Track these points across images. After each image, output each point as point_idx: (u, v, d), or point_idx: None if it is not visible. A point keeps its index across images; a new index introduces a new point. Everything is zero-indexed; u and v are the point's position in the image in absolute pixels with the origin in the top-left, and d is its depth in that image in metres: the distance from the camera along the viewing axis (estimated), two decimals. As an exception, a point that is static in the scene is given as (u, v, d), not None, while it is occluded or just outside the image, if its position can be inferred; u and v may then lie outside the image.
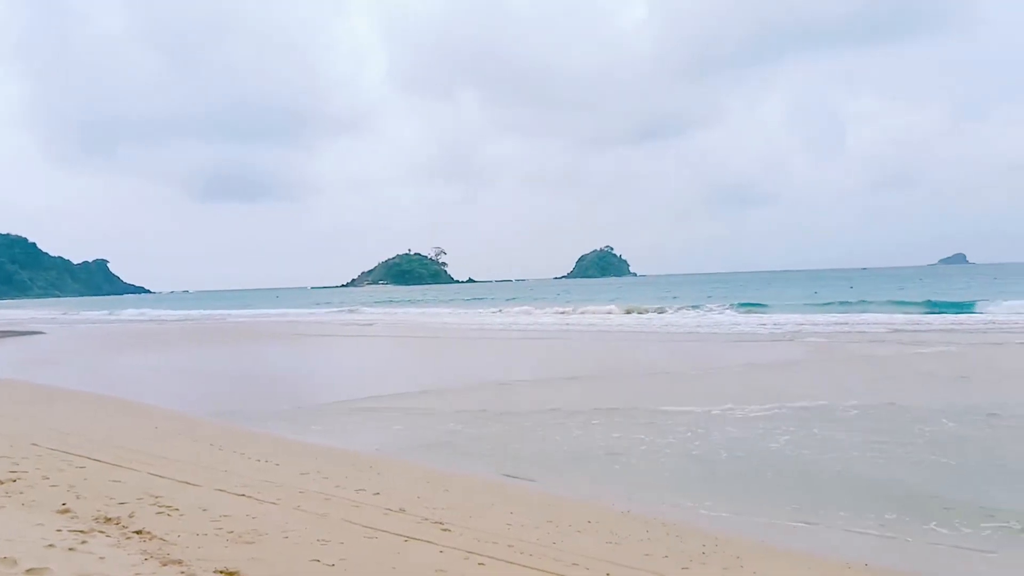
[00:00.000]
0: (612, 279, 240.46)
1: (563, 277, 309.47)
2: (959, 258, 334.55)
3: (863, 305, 47.96)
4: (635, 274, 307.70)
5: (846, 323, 37.65)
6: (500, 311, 61.55)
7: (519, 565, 6.91)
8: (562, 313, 55.31)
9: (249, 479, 9.86)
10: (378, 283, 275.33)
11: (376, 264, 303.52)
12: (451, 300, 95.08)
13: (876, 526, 8.43)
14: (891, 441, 12.01)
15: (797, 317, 41.90)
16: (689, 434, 13.09)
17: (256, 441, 13.14)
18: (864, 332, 33.33)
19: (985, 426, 12.97)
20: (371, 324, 57.07)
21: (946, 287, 73.73)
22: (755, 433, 12.95)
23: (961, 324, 34.98)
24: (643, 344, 33.48)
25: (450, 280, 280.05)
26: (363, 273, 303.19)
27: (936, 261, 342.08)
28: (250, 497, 8.87)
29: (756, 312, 47.67)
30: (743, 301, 55.62)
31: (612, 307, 54.82)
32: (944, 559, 7.54)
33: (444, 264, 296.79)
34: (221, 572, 5.98)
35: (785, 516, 8.86)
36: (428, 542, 7.53)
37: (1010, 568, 7.32)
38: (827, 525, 8.54)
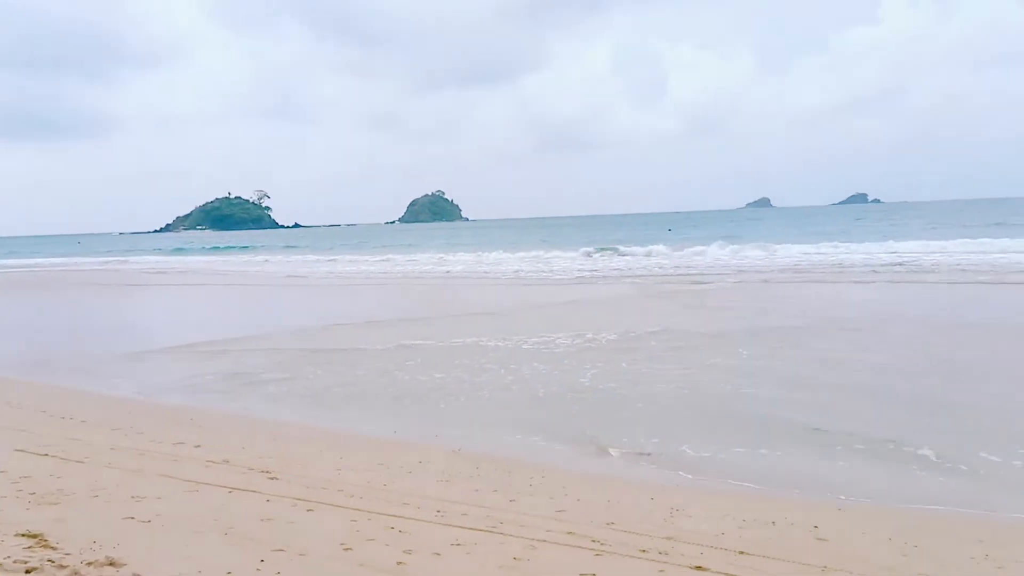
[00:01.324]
0: (444, 224, 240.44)
1: (394, 222, 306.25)
2: (764, 202, 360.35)
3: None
4: (467, 219, 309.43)
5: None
6: (334, 260, 59.52)
7: (349, 508, 6.84)
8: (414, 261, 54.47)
9: (52, 438, 9.13)
10: (196, 228, 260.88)
11: (193, 208, 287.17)
12: (286, 247, 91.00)
13: (665, 444, 9.01)
14: (674, 366, 12.89)
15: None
16: (503, 371, 13.54)
17: (58, 397, 12.17)
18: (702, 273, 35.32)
19: (732, 347, 14.17)
20: (163, 273, 54.08)
21: (751, 231, 79.20)
22: (568, 366, 13.48)
23: (752, 264, 37.69)
24: (481, 288, 33.83)
25: (274, 225, 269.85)
26: (178, 218, 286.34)
27: (744, 205, 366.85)
28: (54, 456, 8.22)
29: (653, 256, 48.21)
30: (602, 246, 56.09)
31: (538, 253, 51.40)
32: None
33: (267, 208, 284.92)
34: (23, 535, 5.53)
35: (603, 443, 9.29)
36: (254, 492, 7.29)
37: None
38: (638, 451, 9.03)
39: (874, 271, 31.31)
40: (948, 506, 7.18)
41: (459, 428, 10.34)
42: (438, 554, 5.84)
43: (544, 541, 6.15)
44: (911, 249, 38.52)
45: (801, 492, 7.66)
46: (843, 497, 7.41)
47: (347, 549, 5.83)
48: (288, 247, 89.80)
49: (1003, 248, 36.00)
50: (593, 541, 6.15)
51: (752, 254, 41.34)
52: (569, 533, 6.34)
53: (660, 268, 37.60)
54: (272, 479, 7.74)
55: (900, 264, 32.73)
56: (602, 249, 50.91)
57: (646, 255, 45.27)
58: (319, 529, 6.26)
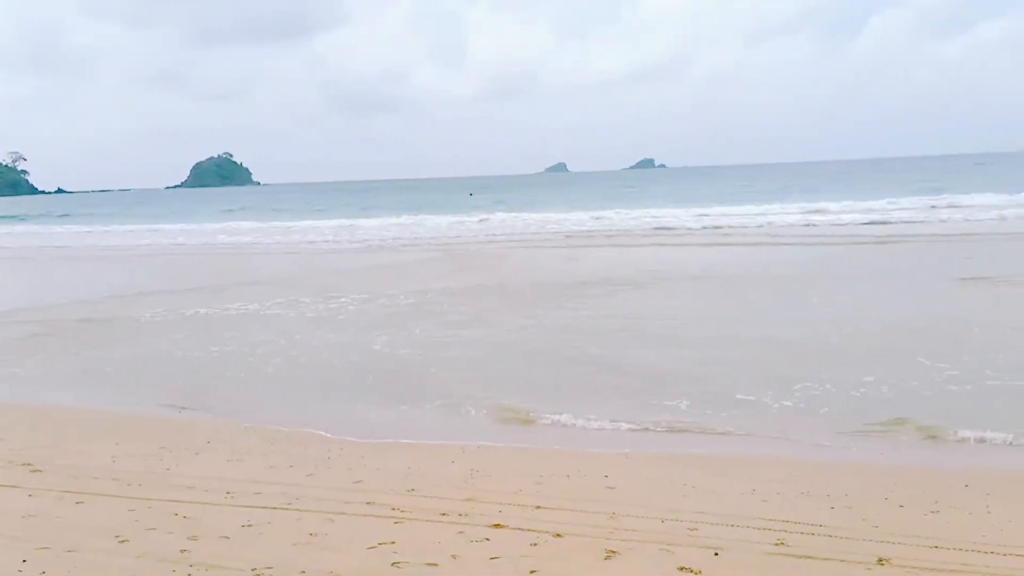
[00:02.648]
0: (233, 188, 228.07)
1: (178, 186, 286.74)
2: (561, 167, 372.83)
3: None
4: (259, 183, 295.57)
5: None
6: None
7: (126, 497, 6.33)
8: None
9: None
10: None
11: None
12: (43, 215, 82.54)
13: (467, 406, 9.14)
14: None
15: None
16: (292, 340, 13.24)
17: None
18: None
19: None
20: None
21: (552, 195, 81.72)
22: (356, 335, 13.31)
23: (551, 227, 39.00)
24: (270, 257, 32.47)
25: (33, 191, 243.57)
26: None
27: (543, 170, 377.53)
28: None
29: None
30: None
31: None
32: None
33: (24, 172, 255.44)
34: None
35: (406, 409, 9.23)
36: (14, 487, 6.57)
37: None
38: (433, 414, 9.07)
39: (644, 235, 33.32)
40: (711, 449, 7.77)
41: (251, 403, 9.88)
42: (227, 537, 5.54)
43: (342, 514, 6.00)
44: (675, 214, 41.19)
45: (597, 446, 7.99)
46: (628, 450, 7.80)
47: (123, 541, 5.38)
48: (44, 215, 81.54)
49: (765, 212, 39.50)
50: (393, 509, 6.08)
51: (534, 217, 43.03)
52: (368, 503, 6.23)
53: (457, 234, 37.85)
54: (35, 472, 7.01)
55: (665, 229, 34.76)
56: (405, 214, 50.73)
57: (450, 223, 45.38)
58: (90, 523, 5.74)
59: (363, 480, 6.89)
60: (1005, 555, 4.96)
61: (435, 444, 8.13)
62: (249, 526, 5.75)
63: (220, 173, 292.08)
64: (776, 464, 7.22)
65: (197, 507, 6.19)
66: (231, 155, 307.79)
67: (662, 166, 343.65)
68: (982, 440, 7.54)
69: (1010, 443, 7.44)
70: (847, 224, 32.54)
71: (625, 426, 8.45)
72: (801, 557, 5.01)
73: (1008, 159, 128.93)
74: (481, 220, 44.41)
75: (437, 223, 44.43)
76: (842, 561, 4.93)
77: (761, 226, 33.88)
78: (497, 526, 5.65)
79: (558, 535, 5.45)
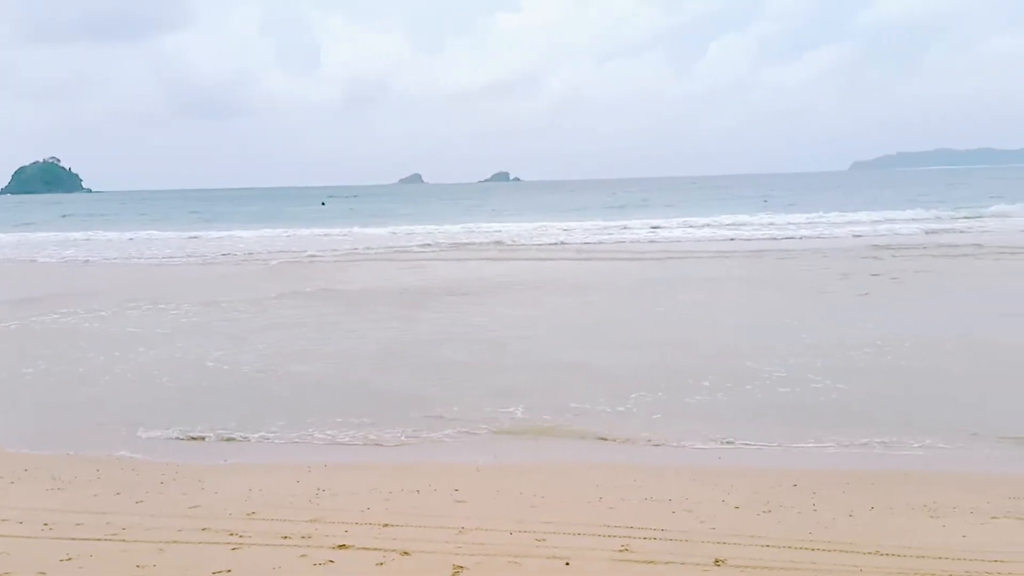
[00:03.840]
0: (61, 195, 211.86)
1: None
2: (416, 178, 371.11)
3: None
4: (89, 190, 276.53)
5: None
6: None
7: (-78, 537, 5.67)
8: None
9: None
10: None
11: None
12: None
13: (313, 423, 8.88)
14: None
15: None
16: (118, 354, 12.51)
17: None
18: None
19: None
20: None
21: (404, 206, 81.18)
22: (185, 347, 12.69)
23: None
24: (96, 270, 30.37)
25: None
26: None
27: (397, 181, 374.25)
28: None
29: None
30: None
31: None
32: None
33: None
34: None
35: (245, 428, 8.82)
36: None
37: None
38: (285, 433, 8.73)
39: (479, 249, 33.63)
40: (560, 457, 7.88)
41: (73, 428, 9.16)
42: (43, 573, 5.08)
43: (175, 542, 5.63)
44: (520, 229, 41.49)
45: (446, 457, 7.92)
46: (481, 461, 7.79)
47: (-83, 586, 4.81)
48: None
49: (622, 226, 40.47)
50: (231, 535, 5.77)
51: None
52: (204, 530, 5.89)
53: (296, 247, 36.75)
54: None
55: (501, 243, 34.78)
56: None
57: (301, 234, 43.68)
58: None
59: (200, 505, 6.51)
60: (829, 551, 5.27)
61: (279, 464, 7.81)
62: (68, 560, 5.30)
63: (45, 179, 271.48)
64: (624, 471, 7.40)
65: (10, 541, 5.66)
66: (58, 159, 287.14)
67: (517, 179, 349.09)
68: (810, 441, 8.05)
69: (837, 443, 7.98)
70: (682, 240, 33.92)
71: (468, 438, 8.44)
72: (644, 562, 5.13)
73: (836, 177, 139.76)
74: (325, 234, 42.81)
75: (275, 234, 42.56)
76: (682, 564, 5.09)
77: (600, 242, 34.87)
78: (342, 547, 5.46)
79: (405, 553, 5.33)
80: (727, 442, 8.14)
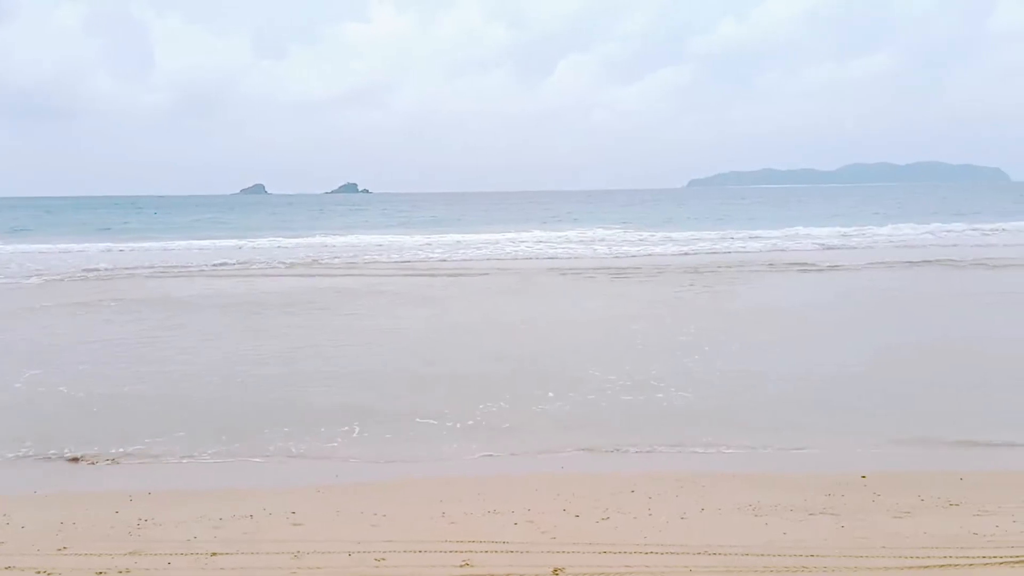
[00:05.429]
0: None
1: None
2: (259, 188, 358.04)
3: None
4: None
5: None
6: None
7: None
8: None
9: None
10: None
11: None
12: None
13: (137, 447, 8.35)
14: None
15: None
16: None
17: None
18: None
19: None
20: None
21: (243, 218, 78.16)
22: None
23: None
24: None
25: None
26: None
27: (238, 191, 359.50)
28: None
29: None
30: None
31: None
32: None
33: None
34: None
35: (64, 452, 8.14)
36: None
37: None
38: (104, 458, 8.12)
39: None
40: (401, 474, 7.77)
41: None
42: None
43: (-31, 586, 5.07)
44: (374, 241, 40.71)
45: (283, 480, 7.60)
46: (320, 481, 7.52)
47: None
48: None
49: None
50: (38, 573, 5.27)
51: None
52: (7, 568, 5.34)
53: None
54: None
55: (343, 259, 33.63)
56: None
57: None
58: None
59: (5, 542, 5.92)
60: (663, 554, 5.44)
61: (97, 493, 7.23)
62: None
63: None
64: (468, 484, 7.36)
65: None
66: None
67: (365, 191, 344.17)
68: (647, 447, 8.32)
69: (673, 447, 8.29)
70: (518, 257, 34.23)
71: (305, 459, 8.17)
72: (485, 576, 5.10)
73: (675, 194, 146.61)
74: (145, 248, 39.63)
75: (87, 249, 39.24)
76: (522, 575, 5.09)
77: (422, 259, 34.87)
78: (162, 581, 5.10)
79: (235, 583, 5.05)
80: (570, 451, 8.29)
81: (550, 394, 10.20)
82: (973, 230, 41.45)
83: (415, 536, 5.86)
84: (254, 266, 29.14)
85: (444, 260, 30.62)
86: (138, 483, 7.48)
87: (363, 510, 6.55)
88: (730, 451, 8.16)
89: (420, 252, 34.09)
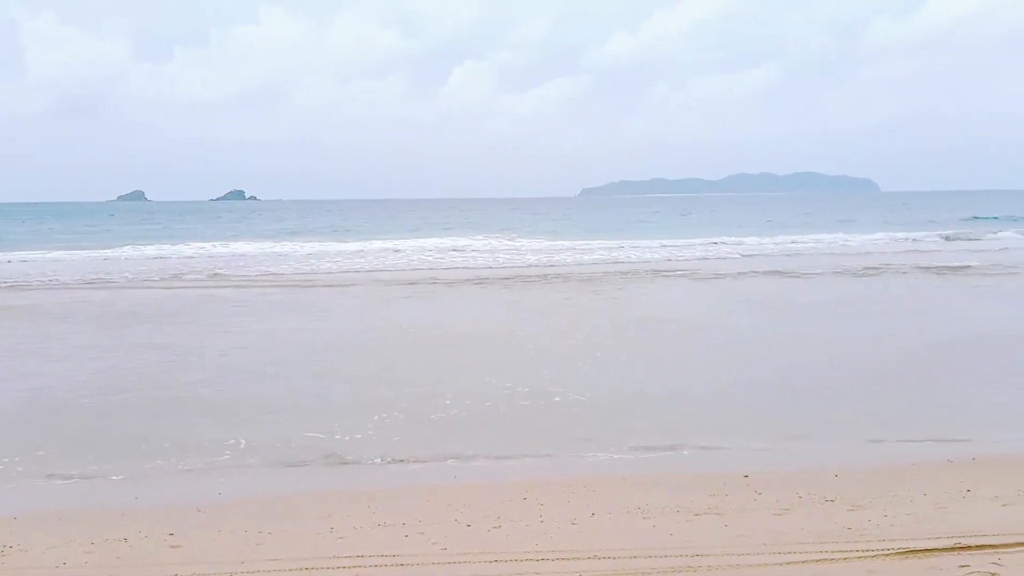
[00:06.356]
0: None
1: None
2: (138, 195, 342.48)
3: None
4: None
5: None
6: None
7: None
8: None
9: None
10: None
11: None
12: None
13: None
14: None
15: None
16: None
17: None
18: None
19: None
20: None
21: (120, 225, 74.70)
22: None
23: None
24: None
25: None
26: None
27: (115, 198, 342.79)
28: None
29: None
30: None
31: None
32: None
33: None
34: None
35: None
36: None
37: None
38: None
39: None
40: (286, 489, 7.55)
41: None
42: None
43: None
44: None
45: (161, 499, 7.25)
46: (200, 500, 7.21)
47: None
48: None
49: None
50: None
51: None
52: None
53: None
54: None
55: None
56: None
57: None
58: None
59: None
60: (553, 560, 5.45)
61: None
62: None
63: None
64: (358, 497, 7.21)
65: None
66: None
67: (253, 198, 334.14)
68: (540, 453, 8.36)
69: (565, 453, 8.36)
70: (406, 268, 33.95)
71: (186, 476, 7.84)
72: (374, 592, 4.99)
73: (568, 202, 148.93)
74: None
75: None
76: (412, 589, 5.01)
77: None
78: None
79: (106, 611, 4.75)
80: (464, 459, 8.24)
81: (447, 402, 10.13)
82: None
83: (302, 553, 5.68)
84: (122, 276, 27.73)
85: (330, 271, 29.92)
86: (1, 508, 6.99)
87: (247, 528, 6.31)
88: (620, 455, 8.31)
89: (306, 261, 33.39)
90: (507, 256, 35.58)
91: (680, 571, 5.21)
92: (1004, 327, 15.60)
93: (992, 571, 4.95)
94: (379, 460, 8.24)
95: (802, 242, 41.70)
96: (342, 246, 41.44)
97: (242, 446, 8.60)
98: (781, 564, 5.33)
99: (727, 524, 6.21)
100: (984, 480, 7.18)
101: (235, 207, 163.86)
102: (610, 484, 7.37)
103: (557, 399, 10.27)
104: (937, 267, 27.52)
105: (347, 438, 8.89)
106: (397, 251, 38.32)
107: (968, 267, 27.48)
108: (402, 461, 8.22)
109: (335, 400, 10.50)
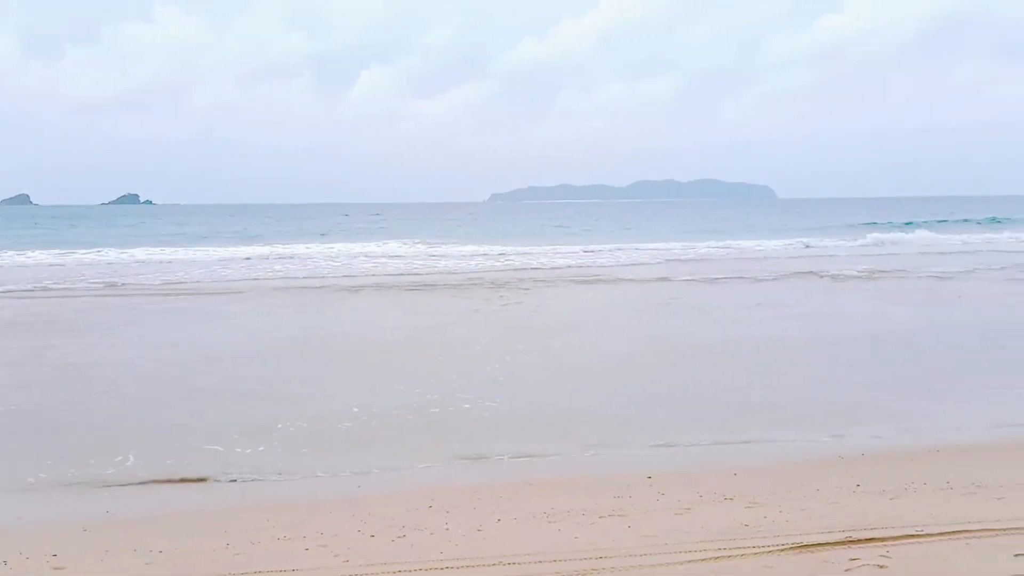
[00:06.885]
0: None
1: None
2: (23, 199, 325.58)
3: None
4: None
5: None
6: None
7: None
8: None
9: None
10: None
11: None
12: None
13: None
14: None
15: None
16: None
17: None
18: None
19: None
20: None
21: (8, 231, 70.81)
22: None
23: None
24: None
25: None
26: None
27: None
28: None
29: None
30: None
31: None
32: None
33: None
34: None
35: None
36: None
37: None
38: None
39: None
40: (191, 507, 7.26)
41: None
42: None
43: None
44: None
45: (43, 518, 6.84)
46: (88, 518, 6.84)
47: None
48: None
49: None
50: None
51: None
52: None
53: None
54: None
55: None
56: None
57: None
58: None
59: None
60: (458, 568, 5.40)
61: None
62: None
63: None
64: (255, 510, 6.98)
65: None
66: None
67: (148, 202, 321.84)
68: (446, 458, 8.29)
69: (470, 458, 8.31)
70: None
71: (71, 492, 7.44)
72: (272, 608, 4.82)
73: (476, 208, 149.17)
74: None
75: None
76: (312, 604, 4.86)
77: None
78: None
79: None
80: (368, 469, 8.09)
81: (354, 410, 9.94)
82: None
83: (195, 571, 5.46)
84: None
85: (232, 278, 28.81)
86: None
87: (136, 547, 6.01)
88: (526, 459, 8.32)
89: (210, 268, 32.34)
90: (419, 262, 35.31)
91: (584, 574, 5.24)
92: (890, 327, 16.40)
93: (880, 563, 5.15)
94: (280, 472, 8.01)
95: (707, 247, 42.92)
96: (248, 251, 40.31)
97: (130, 462, 8.20)
98: (682, 563, 5.42)
99: (631, 525, 6.28)
100: (873, 475, 7.49)
101: (129, 211, 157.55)
102: (516, 489, 7.36)
103: (467, 406, 10.20)
104: (833, 274, 28.59)
105: (247, 450, 8.60)
106: (302, 257, 37.58)
107: (865, 271, 28.61)
108: (304, 473, 8.01)
109: (234, 411, 10.15)
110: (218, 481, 7.82)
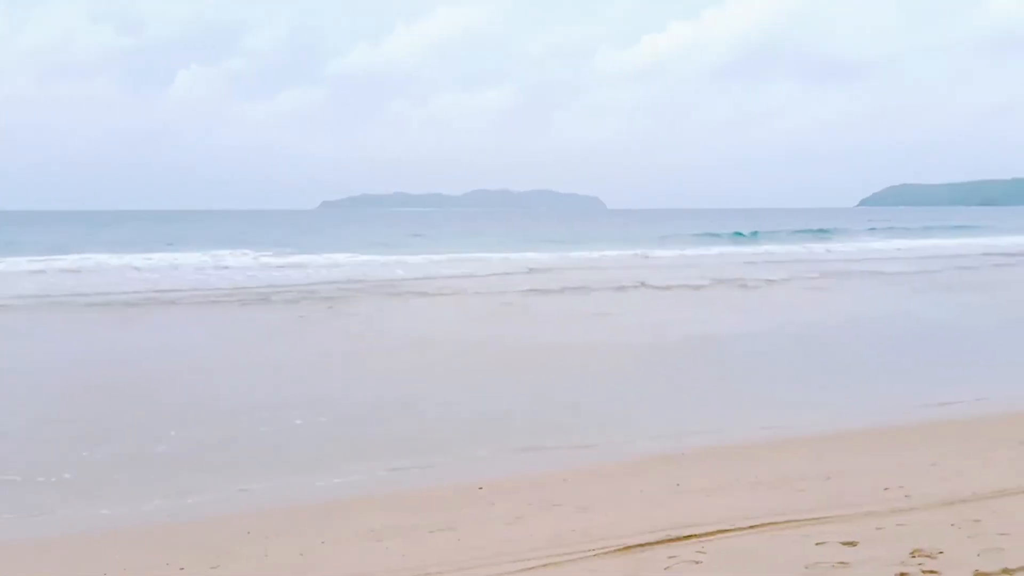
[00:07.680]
0: None
1: None
2: None
3: None
4: None
5: None
6: None
7: None
8: None
9: None
10: None
11: None
12: None
13: None
14: None
15: None
16: None
17: None
18: None
19: None
20: None
21: None
22: None
23: None
24: None
25: None
26: None
27: None
28: None
29: None
30: None
31: None
32: None
33: None
34: None
35: None
36: None
37: None
38: None
39: None
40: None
41: None
42: None
43: None
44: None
45: None
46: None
47: None
48: None
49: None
50: None
51: None
52: None
53: None
54: None
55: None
56: None
57: None
58: None
59: None
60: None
61: None
62: None
63: None
64: (50, 547, 6.37)
65: None
66: None
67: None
68: (268, 482, 7.88)
69: (291, 480, 7.94)
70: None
71: None
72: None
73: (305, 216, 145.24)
74: None
75: None
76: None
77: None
78: None
79: None
80: (180, 496, 7.53)
81: (172, 433, 9.26)
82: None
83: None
84: None
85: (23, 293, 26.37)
86: None
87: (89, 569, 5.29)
88: (349, 477, 8.02)
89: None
90: (246, 274, 33.48)
91: (411, 593, 5.09)
92: (713, 331, 17.34)
93: (696, 559, 5.34)
94: (79, 504, 7.30)
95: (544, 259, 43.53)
96: (47, 264, 36.84)
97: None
98: (512, 572, 5.39)
99: (460, 539, 6.19)
100: (692, 474, 7.81)
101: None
102: (342, 509, 7.10)
103: (299, 422, 9.77)
104: (662, 285, 29.69)
105: (41, 479, 7.81)
106: (108, 268, 34.71)
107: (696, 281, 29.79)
108: (108, 503, 7.33)
109: (32, 437, 9.22)
110: (6, 516, 7.03)
